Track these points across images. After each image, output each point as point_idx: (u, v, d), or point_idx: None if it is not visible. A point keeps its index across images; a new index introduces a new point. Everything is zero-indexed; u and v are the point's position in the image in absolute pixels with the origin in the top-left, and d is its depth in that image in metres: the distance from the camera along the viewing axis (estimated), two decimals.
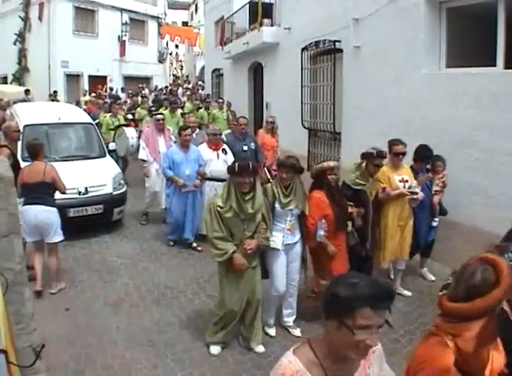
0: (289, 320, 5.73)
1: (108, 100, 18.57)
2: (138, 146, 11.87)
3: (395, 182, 6.30)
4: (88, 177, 9.02)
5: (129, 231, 9.40)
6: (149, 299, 6.52)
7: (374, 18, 9.20)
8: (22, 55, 27.82)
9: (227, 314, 5.18)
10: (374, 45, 9.30)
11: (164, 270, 7.51)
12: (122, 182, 9.61)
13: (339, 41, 10.55)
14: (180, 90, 27.27)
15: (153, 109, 14.03)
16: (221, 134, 8.82)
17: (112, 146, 11.57)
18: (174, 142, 9.67)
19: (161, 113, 10.63)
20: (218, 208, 4.87)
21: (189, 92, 23.61)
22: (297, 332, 5.66)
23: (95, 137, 10.48)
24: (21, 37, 27.70)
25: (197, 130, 10.41)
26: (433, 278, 7.28)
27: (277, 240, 5.29)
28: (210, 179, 8.44)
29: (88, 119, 11.30)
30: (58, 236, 6.75)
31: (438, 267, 7.49)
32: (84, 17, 28.41)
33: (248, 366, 5.04)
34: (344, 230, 5.73)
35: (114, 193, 9.16)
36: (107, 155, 10.40)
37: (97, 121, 13.63)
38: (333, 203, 5.47)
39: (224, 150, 8.61)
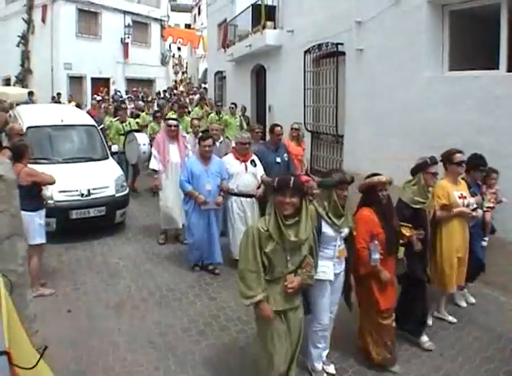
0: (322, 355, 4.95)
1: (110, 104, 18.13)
2: (151, 153, 11.73)
3: (455, 199, 5.61)
4: (91, 179, 9.02)
5: (131, 233, 9.40)
6: (151, 301, 6.52)
7: (377, 21, 9.21)
8: (25, 57, 27.86)
9: None
10: (377, 47, 9.31)
11: (166, 272, 7.50)
12: (124, 184, 9.59)
13: (342, 44, 10.56)
14: (196, 97, 24.00)
15: (158, 114, 13.57)
16: (250, 143, 7.62)
17: (115, 148, 11.56)
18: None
19: (175, 119, 9.59)
20: (261, 230, 3.91)
21: (197, 96, 23.20)
22: (331, 369, 4.92)
23: (98, 139, 10.48)
24: (24, 39, 27.74)
25: (221, 138, 9.55)
26: (473, 300, 6.51)
27: (328, 270, 4.53)
28: (237, 195, 7.44)
29: (91, 121, 11.31)
30: (32, 239, 6.48)
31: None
32: (88, 20, 28.46)
33: (250, 368, 5.03)
34: (394, 255, 4.98)
35: (117, 195, 9.16)
36: (110, 157, 10.40)
37: (102, 125, 13.25)
38: (384, 222, 4.78)
39: (253, 161, 7.56)
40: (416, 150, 8.18)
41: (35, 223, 6.55)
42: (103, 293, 6.75)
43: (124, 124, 12.72)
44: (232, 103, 15.61)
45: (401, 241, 5.02)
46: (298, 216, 3.92)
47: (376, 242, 4.66)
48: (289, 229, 3.87)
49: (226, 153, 8.56)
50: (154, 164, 8.67)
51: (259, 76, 17.59)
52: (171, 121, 8.95)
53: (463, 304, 6.44)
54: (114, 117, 13.56)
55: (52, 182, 6.83)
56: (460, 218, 5.65)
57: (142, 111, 16.37)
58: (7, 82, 28.03)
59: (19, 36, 27.61)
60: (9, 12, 28.60)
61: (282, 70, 14.59)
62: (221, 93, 22.41)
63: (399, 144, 8.65)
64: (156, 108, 17.47)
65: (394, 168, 8.70)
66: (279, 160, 8.12)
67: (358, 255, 4.72)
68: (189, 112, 16.10)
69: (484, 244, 6.31)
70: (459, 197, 5.63)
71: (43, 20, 27.10)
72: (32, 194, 6.43)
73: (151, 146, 11.60)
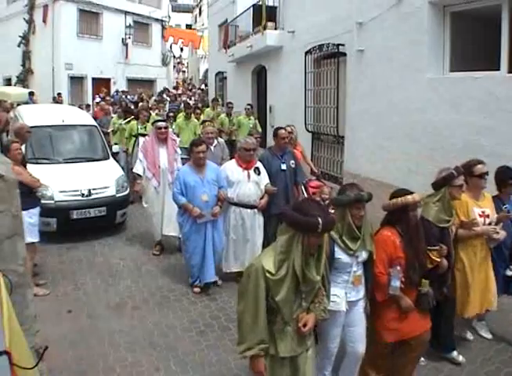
0: None
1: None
2: None
3: (475, 217, 5.03)
4: (92, 179, 9.04)
5: (132, 234, 9.40)
6: (152, 302, 6.52)
7: (378, 22, 9.21)
8: (26, 57, 27.83)
9: None
10: (378, 48, 9.31)
11: (167, 273, 7.50)
12: (125, 184, 9.59)
13: (343, 45, 10.57)
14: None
15: (171, 114, 13.24)
16: (255, 149, 6.99)
17: (115, 148, 11.54)
18: (182, 158, 8.55)
19: (164, 120, 9.00)
20: (268, 275, 3.26)
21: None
22: None
23: (99, 139, 10.49)
24: (25, 39, 27.72)
25: (215, 141, 8.68)
26: (490, 336, 5.68)
27: (339, 299, 4.00)
28: (237, 204, 6.88)
29: (92, 121, 11.33)
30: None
31: None
32: (89, 20, 28.43)
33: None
34: (417, 287, 4.26)
35: (117, 195, 9.17)
36: (111, 157, 10.41)
37: (111, 129, 12.73)
38: (409, 246, 4.15)
39: (257, 168, 6.94)
40: (416, 150, 8.21)
41: (25, 222, 6.54)
42: (104, 293, 6.76)
43: (139, 127, 11.78)
44: (249, 104, 14.87)
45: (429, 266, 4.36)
46: (319, 250, 3.38)
47: (398, 268, 4.07)
48: (311, 268, 3.34)
49: (223, 158, 8.39)
50: (139, 169, 8.16)
51: (260, 77, 17.61)
52: (160, 123, 8.34)
53: (489, 335, 5.66)
54: (124, 118, 12.83)
55: (34, 187, 6.60)
56: (482, 238, 5.08)
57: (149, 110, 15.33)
58: (8, 82, 28.01)
59: (20, 36, 27.59)
60: (10, 13, 28.57)
61: (283, 70, 14.59)
62: (222, 94, 22.42)
63: (400, 145, 8.65)
64: (166, 109, 16.98)
65: (395, 169, 8.74)
66: (284, 167, 7.43)
67: (375, 281, 4.17)
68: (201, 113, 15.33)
69: (510, 273, 5.37)
70: (480, 216, 5.05)
71: (44, 20, 27.08)
72: (21, 193, 6.41)
73: None
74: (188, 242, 6.75)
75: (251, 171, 6.87)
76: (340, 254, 3.96)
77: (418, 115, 8.16)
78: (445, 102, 7.63)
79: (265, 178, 6.99)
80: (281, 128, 7.91)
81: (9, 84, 27.07)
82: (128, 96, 24.15)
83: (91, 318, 6.02)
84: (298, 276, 3.25)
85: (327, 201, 8.27)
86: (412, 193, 4.22)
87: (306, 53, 12.23)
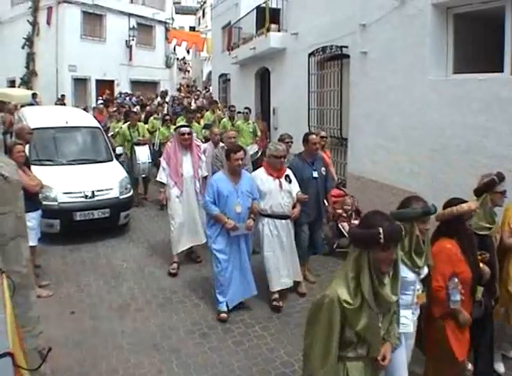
0: None
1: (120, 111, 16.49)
2: (150, 167, 11.38)
3: None
4: (95, 181, 9.06)
5: (135, 235, 9.41)
6: (155, 304, 6.52)
7: (381, 24, 9.20)
8: (30, 59, 27.91)
9: None
10: (381, 50, 9.30)
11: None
12: (129, 186, 9.61)
13: (346, 47, 10.55)
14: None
15: (167, 117, 12.86)
16: (285, 156, 6.63)
17: (119, 150, 11.54)
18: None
19: (187, 126, 8.29)
20: (346, 305, 2.88)
21: (204, 100, 22.60)
22: None
23: (102, 141, 10.51)
24: (29, 41, 27.80)
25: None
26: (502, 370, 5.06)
27: (407, 321, 3.72)
28: (270, 216, 6.40)
29: (95, 123, 11.35)
30: None
31: None
32: (92, 22, 28.50)
33: (253, 370, 5.03)
34: (473, 298, 4.15)
35: (121, 197, 9.18)
36: (114, 159, 10.42)
37: (111, 133, 12.67)
38: (469, 257, 3.99)
39: (287, 176, 6.49)
40: (419, 152, 8.20)
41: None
42: (107, 295, 6.76)
43: (131, 130, 11.69)
44: (246, 108, 14.11)
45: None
46: (394, 267, 3.04)
47: (457, 280, 3.84)
48: (385, 288, 2.95)
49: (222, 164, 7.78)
50: (162, 177, 7.72)
51: (263, 78, 17.59)
52: (183, 129, 7.77)
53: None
54: (125, 122, 12.60)
55: (32, 190, 6.47)
56: None
57: (151, 115, 15.00)
58: (12, 84, 28.09)
59: (24, 38, 27.67)
60: (14, 15, 28.65)
61: (286, 72, 14.58)
62: (226, 96, 22.41)
63: (403, 147, 8.64)
64: (165, 112, 16.70)
65: (398, 170, 8.72)
66: (316, 174, 6.96)
67: (433, 295, 3.91)
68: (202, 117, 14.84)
69: None
70: None
71: (48, 22, 27.17)
72: None
73: (153, 160, 11.38)
74: (219, 255, 6.12)
75: (282, 180, 6.42)
76: (405, 273, 3.60)
77: (421, 117, 8.15)
78: (448, 103, 7.62)
79: (295, 186, 6.55)
80: (312, 133, 7.54)
81: (13, 86, 27.16)
82: (133, 99, 24.08)
83: (94, 319, 6.02)
84: (367, 298, 2.86)
85: (350, 212, 8.22)
86: (465, 201, 4.06)
87: (309, 55, 12.22)
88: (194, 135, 8.42)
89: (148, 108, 16.87)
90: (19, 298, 2.89)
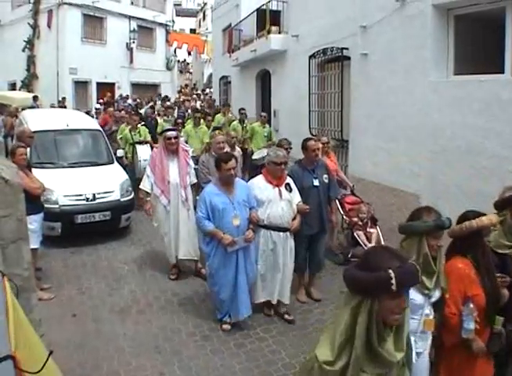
0: None
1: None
2: None
3: None
4: (96, 183, 9.04)
5: (137, 238, 9.40)
6: (156, 306, 6.51)
7: (382, 25, 9.21)
8: (31, 62, 27.98)
9: None
10: (382, 52, 9.31)
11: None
12: (130, 188, 9.60)
13: (346, 49, 10.57)
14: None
15: (179, 121, 12.63)
16: (286, 162, 6.08)
17: (120, 152, 11.53)
18: (195, 168, 7.66)
19: (174, 129, 7.79)
20: (326, 367, 2.27)
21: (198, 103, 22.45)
22: None
23: (103, 144, 10.51)
24: (30, 44, 27.87)
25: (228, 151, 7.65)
26: None
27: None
28: (267, 227, 5.90)
29: (96, 126, 11.36)
30: None
31: None
32: (93, 24, 28.55)
33: (255, 373, 5.02)
34: (489, 326, 3.62)
35: (122, 199, 9.17)
36: (115, 162, 10.42)
37: (121, 136, 12.06)
38: (486, 279, 3.52)
39: (288, 185, 6.01)
40: (420, 153, 8.21)
41: None
42: (108, 297, 6.75)
43: (132, 133, 11.59)
44: (263, 112, 13.94)
45: None
46: (401, 319, 2.37)
47: (472, 306, 3.39)
48: (387, 343, 2.30)
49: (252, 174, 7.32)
50: (146, 185, 7.25)
51: (264, 81, 17.62)
52: (170, 133, 7.29)
53: None
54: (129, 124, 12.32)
55: (34, 193, 6.46)
56: None
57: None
58: (13, 87, 28.15)
59: (24, 41, 27.74)
60: (14, 17, 28.73)
61: (287, 74, 14.60)
62: (226, 98, 22.45)
63: (403, 148, 8.65)
64: (175, 115, 16.36)
65: (398, 172, 8.73)
66: (317, 182, 6.50)
67: (445, 322, 3.49)
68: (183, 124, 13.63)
69: None
70: None
71: (49, 25, 27.23)
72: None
73: None
74: (217, 275, 5.74)
75: (282, 188, 5.93)
76: (414, 295, 3.13)
77: (422, 118, 8.15)
78: (449, 105, 7.63)
79: (296, 196, 6.08)
80: (311, 138, 7.00)
81: (14, 89, 27.22)
82: (129, 101, 24.03)
83: (96, 322, 6.01)
84: (355, 359, 2.24)
85: (365, 220, 7.97)
86: (483, 214, 3.57)
87: (310, 57, 12.24)
88: (182, 139, 8.05)
89: (149, 111, 16.69)
90: (21, 301, 2.88)
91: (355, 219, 7.97)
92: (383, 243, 7.60)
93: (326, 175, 6.67)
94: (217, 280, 5.76)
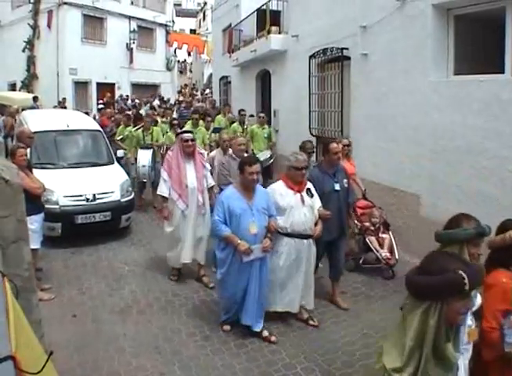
0: None
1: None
2: (150, 171, 11.03)
3: None
4: (96, 184, 9.07)
5: (137, 238, 9.41)
6: (157, 306, 6.52)
7: (382, 25, 9.20)
8: (31, 62, 28.00)
9: None
10: (382, 52, 9.30)
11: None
12: (130, 189, 9.62)
13: (347, 49, 10.56)
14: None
15: (175, 122, 12.41)
16: (307, 167, 5.84)
17: (120, 153, 11.53)
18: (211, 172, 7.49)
19: (190, 131, 7.60)
20: (395, 375, 2.40)
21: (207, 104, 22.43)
22: None
23: (103, 144, 10.52)
24: (30, 44, 27.90)
25: (245, 155, 7.35)
26: None
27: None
28: (290, 235, 5.68)
29: (97, 126, 11.37)
30: None
31: None
32: (93, 25, 28.59)
33: (255, 373, 5.02)
34: None
35: (122, 200, 9.19)
36: (115, 162, 10.43)
37: (121, 136, 12.33)
38: None
39: (309, 190, 5.82)
40: (420, 154, 8.20)
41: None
42: (109, 298, 6.76)
43: (145, 134, 11.66)
44: (261, 112, 13.66)
45: None
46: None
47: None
48: (450, 347, 2.41)
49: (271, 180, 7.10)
50: (164, 190, 7.03)
51: (264, 81, 17.60)
52: (186, 135, 7.11)
53: None
54: (134, 126, 12.46)
55: (35, 193, 6.48)
56: None
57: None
58: (13, 87, 28.18)
59: (24, 41, 27.77)
60: (14, 18, 28.76)
61: (287, 74, 14.58)
62: (226, 98, 22.43)
63: (404, 148, 8.63)
64: (174, 115, 16.28)
65: (399, 172, 8.72)
66: (338, 187, 6.29)
67: (484, 336, 3.29)
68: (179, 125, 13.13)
69: None
70: None
71: (49, 26, 27.25)
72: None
73: (154, 164, 11.13)
74: (227, 283, 5.55)
75: (304, 194, 5.74)
76: None
77: (422, 118, 8.14)
78: (449, 105, 7.62)
79: (317, 201, 5.89)
80: (333, 140, 6.82)
81: (14, 90, 27.26)
82: (129, 102, 24.07)
83: (96, 322, 6.02)
84: (428, 361, 2.33)
85: (377, 225, 7.81)
86: None
87: (310, 57, 12.22)
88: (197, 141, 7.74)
89: (149, 111, 16.70)
90: (21, 301, 2.88)
91: (367, 224, 7.82)
92: (395, 249, 7.55)
93: (345, 180, 6.51)
94: (227, 288, 5.58)
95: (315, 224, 5.81)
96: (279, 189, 5.74)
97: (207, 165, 7.38)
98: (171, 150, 7.39)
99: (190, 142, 6.99)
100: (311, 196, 5.81)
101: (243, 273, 5.41)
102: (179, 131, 8.09)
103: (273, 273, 5.74)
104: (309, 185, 5.89)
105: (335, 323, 6.12)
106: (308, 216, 5.66)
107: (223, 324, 5.84)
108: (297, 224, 5.61)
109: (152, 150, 11.37)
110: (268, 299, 5.81)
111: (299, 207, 5.63)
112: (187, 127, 12.06)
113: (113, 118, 15.14)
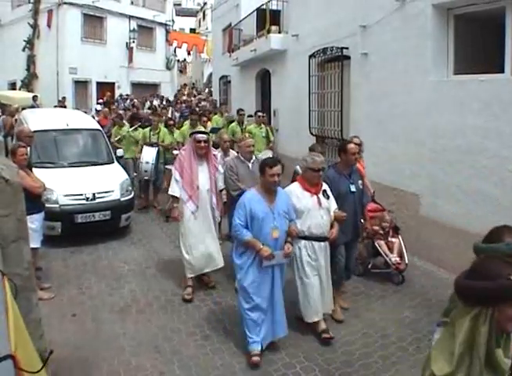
0: None
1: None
2: (152, 169, 10.92)
3: None
4: (96, 183, 9.06)
5: (137, 237, 9.41)
6: (156, 306, 6.51)
7: (382, 25, 9.20)
8: (31, 61, 28.01)
9: None
10: (382, 52, 9.30)
11: (171, 277, 7.47)
12: (130, 188, 9.61)
13: (346, 48, 10.55)
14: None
15: (171, 122, 12.39)
16: (323, 169, 5.71)
17: (120, 152, 11.52)
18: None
19: (205, 132, 7.43)
20: None
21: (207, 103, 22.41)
22: None
23: (103, 143, 10.52)
24: (30, 43, 27.91)
25: (253, 157, 7.20)
26: None
27: None
28: (307, 238, 5.56)
29: (96, 125, 11.37)
30: None
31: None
32: (93, 24, 28.60)
33: (255, 372, 5.02)
34: None
35: (122, 199, 9.19)
36: (115, 161, 10.43)
37: (118, 137, 12.24)
38: None
39: (325, 192, 5.70)
40: (420, 153, 8.20)
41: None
42: (108, 297, 6.76)
43: (152, 133, 11.56)
44: (259, 111, 13.37)
45: None
46: None
47: None
48: (501, 354, 2.34)
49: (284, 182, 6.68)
50: (175, 190, 6.79)
51: (264, 80, 17.61)
52: (200, 136, 6.85)
53: None
54: (131, 126, 12.51)
55: (35, 192, 6.46)
56: None
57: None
58: (13, 86, 28.18)
59: (24, 40, 27.78)
60: (14, 17, 28.77)
61: (287, 74, 14.59)
62: (226, 97, 22.44)
63: (404, 148, 8.63)
64: (169, 115, 16.17)
65: (399, 172, 8.72)
66: (353, 188, 6.12)
67: None
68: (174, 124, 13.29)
69: None
70: None
71: (48, 25, 27.26)
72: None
73: (157, 163, 11.07)
74: (248, 291, 5.18)
75: (321, 196, 5.61)
76: None
77: (422, 118, 8.14)
78: (449, 104, 7.62)
79: (333, 203, 5.77)
80: (350, 141, 6.73)
81: (14, 89, 27.26)
82: (127, 102, 24.12)
83: (96, 322, 6.02)
84: (481, 367, 2.26)
85: (387, 229, 7.59)
86: None
87: (310, 57, 12.22)
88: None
89: (148, 111, 16.75)
90: (21, 300, 2.89)
91: (376, 228, 7.60)
92: (405, 253, 7.37)
93: (360, 181, 6.37)
94: (249, 298, 5.20)
95: (331, 226, 5.68)
96: (295, 192, 5.59)
97: (220, 168, 7.12)
98: (183, 149, 7.23)
99: (203, 144, 6.76)
100: (328, 197, 5.69)
101: (264, 280, 5.20)
102: (193, 131, 7.75)
103: (300, 281, 5.63)
104: (325, 186, 5.76)
105: (335, 322, 6.11)
106: (324, 218, 5.56)
107: (252, 355, 5.17)
108: (315, 227, 5.51)
109: (157, 148, 11.27)
110: (306, 310, 5.67)
111: (316, 210, 5.51)
112: (184, 127, 12.18)
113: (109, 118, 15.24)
